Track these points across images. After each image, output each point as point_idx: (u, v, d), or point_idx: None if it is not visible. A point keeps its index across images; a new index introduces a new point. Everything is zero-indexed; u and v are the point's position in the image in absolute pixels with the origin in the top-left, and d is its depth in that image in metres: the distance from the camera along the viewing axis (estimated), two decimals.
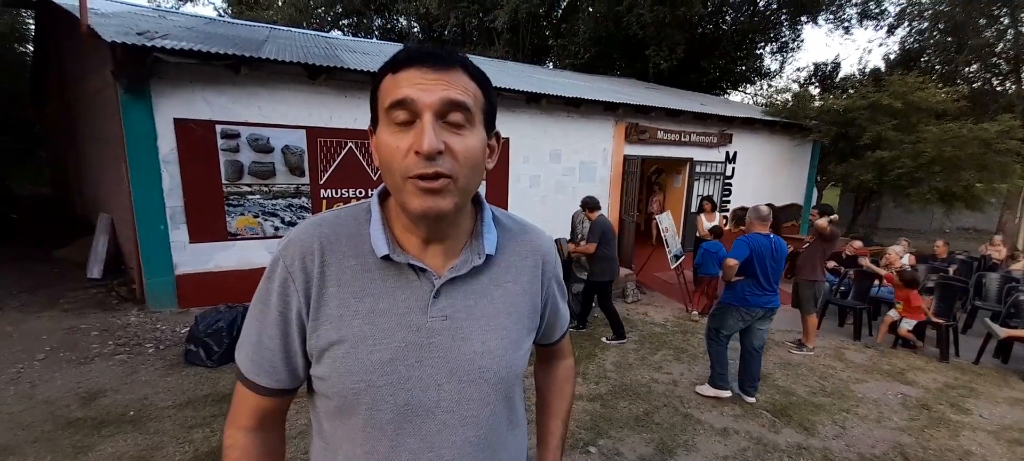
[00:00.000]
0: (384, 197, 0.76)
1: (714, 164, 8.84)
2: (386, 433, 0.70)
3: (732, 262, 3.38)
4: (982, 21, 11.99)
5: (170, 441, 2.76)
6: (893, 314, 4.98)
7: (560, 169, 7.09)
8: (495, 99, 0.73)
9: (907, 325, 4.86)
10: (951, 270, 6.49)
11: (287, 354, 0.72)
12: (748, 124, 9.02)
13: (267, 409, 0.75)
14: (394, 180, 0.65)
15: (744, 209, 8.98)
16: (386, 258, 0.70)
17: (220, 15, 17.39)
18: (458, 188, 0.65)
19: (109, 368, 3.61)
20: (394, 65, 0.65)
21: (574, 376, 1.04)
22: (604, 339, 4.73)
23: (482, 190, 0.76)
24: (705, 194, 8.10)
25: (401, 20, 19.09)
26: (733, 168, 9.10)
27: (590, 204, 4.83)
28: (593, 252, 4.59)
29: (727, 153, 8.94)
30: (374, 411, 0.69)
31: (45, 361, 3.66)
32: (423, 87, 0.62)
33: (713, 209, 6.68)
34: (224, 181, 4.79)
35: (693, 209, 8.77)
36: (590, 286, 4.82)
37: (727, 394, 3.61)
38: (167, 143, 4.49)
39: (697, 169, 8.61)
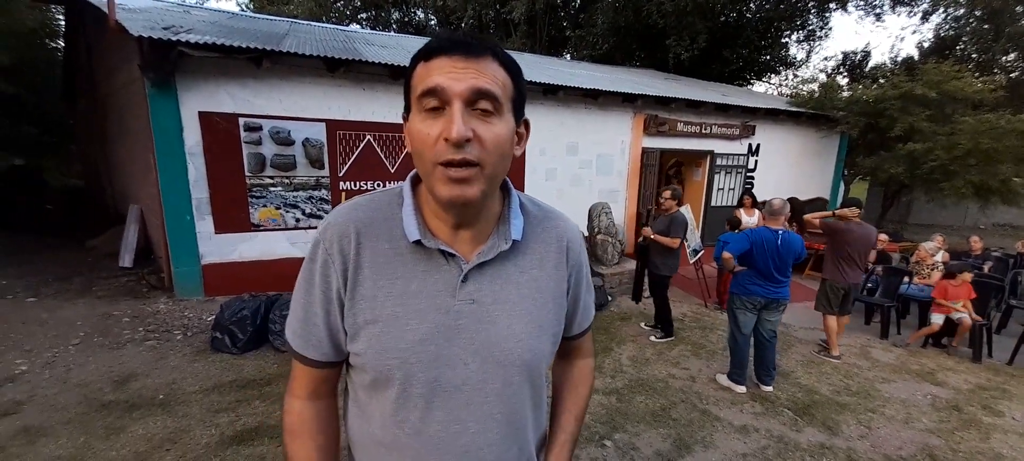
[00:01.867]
0: (416, 182, 0.79)
1: (736, 157, 8.64)
2: (417, 406, 0.75)
3: (727, 256, 3.53)
4: (1019, 8, 11.41)
5: (197, 424, 2.85)
6: (938, 320, 4.73)
7: (577, 162, 7.03)
8: (524, 87, 0.74)
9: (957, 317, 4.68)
10: (986, 267, 6.24)
11: (330, 330, 0.77)
12: (772, 115, 8.78)
13: (319, 379, 0.81)
14: (425, 166, 0.68)
15: (795, 201, 8.78)
16: (417, 243, 0.73)
17: (242, 10, 17.68)
18: (485, 175, 0.68)
19: (140, 353, 3.74)
20: (426, 53, 0.67)
21: (592, 378, 1.02)
22: (652, 338, 4.64)
23: None
24: (745, 189, 7.91)
25: (419, 13, 19.12)
26: (756, 161, 8.88)
27: (677, 195, 4.69)
28: (677, 246, 4.45)
29: (750, 145, 8.72)
30: (406, 385, 0.74)
31: (79, 346, 3.81)
32: (453, 75, 0.64)
33: (753, 204, 6.40)
34: (247, 173, 4.88)
35: (714, 203, 8.62)
36: (660, 281, 4.66)
37: (741, 389, 3.64)
38: (192, 136, 4.59)
39: (718, 162, 8.43)
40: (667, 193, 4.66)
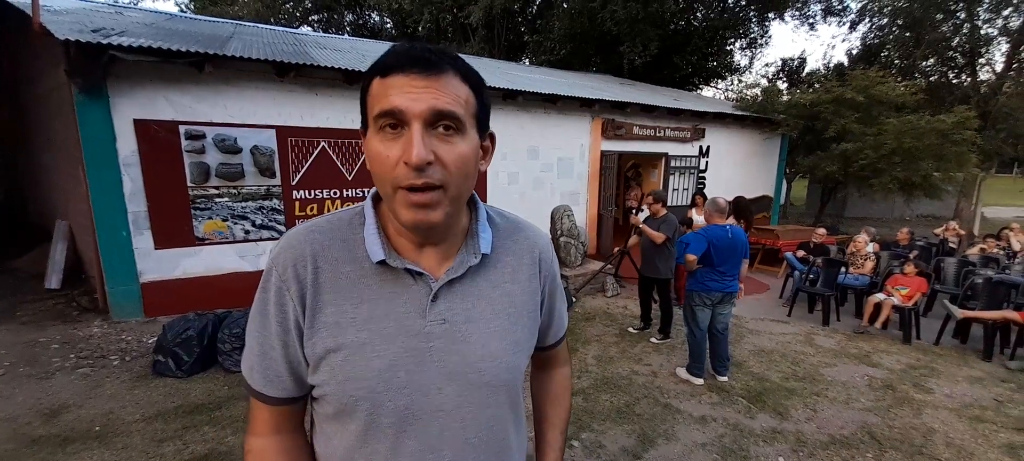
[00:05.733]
0: (377, 200, 0.75)
1: (688, 158, 9.01)
2: (387, 436, 0.70)
3: (692, 257, 3.66)
4: (939, 16, 12.53)
5: (139, 456, 2.65)
6: (895, 299, 5.08)
7: (538, 165, 7.10)
8: (488, 99, 0.71)
9: (895, 300, 5.05)
10: (911, 256, 6.77)
11: (291, 363, 0.71)
12: (720, 119, 9.23)
13: (281, 416, 0.75)
14: (385, 189, 0.64)
15: (742, 199, 9.19)
16: (382, 263, 0.69)
17: (182, 11, 16.74)
18: (449, 197, 0.64)
19: (72, 382, 3.44)
20: (383, 69, 0.63)
21: (571, 386, 1.00)
22: (653, 340, 4.70)
23: None
24: (697, 189, 8.22)
25: (374, 16, 18.79)
26: (706, 162, 9.29)
27: (661, 198, 4.82)
28: (661, 242, 4.53)
29: (700, 147, 9.12)
30: (374, 416, 0.69)
31: (3, 377, 3.46)
32: (412, 95, 0.60)
33: (705, 204, 6.67)
34: (190, 184, 4.61)
35: (670, 202, 8.90)
36: (662, 284, 4.70)
37: (699, 382, 3.80)
38: (127, 145, 4.29)
39: (672, 164, 8.76)
40: (649, 198, 4.78)
